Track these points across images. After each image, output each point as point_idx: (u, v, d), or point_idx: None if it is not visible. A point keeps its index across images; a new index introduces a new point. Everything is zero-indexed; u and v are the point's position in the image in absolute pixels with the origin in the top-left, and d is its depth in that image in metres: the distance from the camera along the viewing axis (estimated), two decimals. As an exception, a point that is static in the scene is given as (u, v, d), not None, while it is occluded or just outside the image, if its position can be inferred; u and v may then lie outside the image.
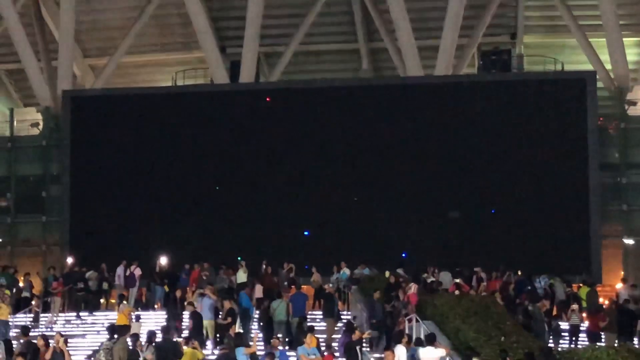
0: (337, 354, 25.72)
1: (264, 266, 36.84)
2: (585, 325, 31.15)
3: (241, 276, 35.78)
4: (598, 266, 41.86)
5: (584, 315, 31.85)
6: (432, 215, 43.10)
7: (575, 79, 44.60)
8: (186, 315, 31.17)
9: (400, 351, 22.58)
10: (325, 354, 25.81)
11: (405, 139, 43.90)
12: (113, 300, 36.60)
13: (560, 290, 34.45)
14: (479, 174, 43.25)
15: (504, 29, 50.34)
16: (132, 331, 26.31)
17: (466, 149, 43.49)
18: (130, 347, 24.16)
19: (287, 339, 30.13)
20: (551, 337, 30.71)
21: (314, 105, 44.80)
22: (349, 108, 44.43)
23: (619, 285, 36.22)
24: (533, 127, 43.26)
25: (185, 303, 31.87)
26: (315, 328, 27.62)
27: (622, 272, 42.86)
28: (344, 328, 27.25)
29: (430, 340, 23.41)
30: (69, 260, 40.88)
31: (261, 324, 31.21)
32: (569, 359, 22.09)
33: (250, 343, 25.49)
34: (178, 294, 33.80)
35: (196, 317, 29.36)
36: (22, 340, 25.38)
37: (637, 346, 27.11)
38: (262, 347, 27.30)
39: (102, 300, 37.68)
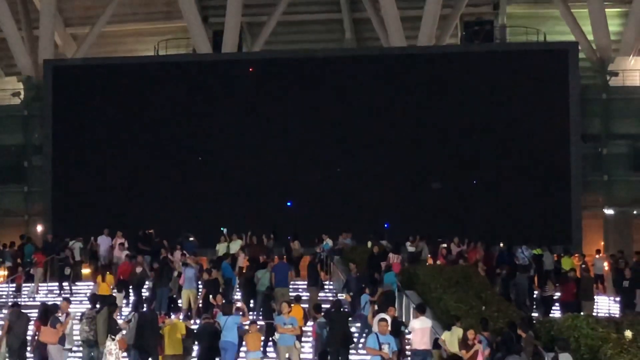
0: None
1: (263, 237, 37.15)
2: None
3: (234, 246, 35.73)
4: (579, 236, 42.20)
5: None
6: (415, 186, 43.26)
7: (558, 49, 44.69)
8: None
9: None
10: (310, 323, 25.87)
11: (387, 109, 43.97)
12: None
13: (549, 261, 34.59)
14: (461, 145, 43.43)
15: (487, 0, 50.25)
16: (114, 301, 26.26)
17: (448, 119, 43.61)
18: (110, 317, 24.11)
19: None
20: (534, 306, 30.88)
21: (296, 76, 44.75)
22: (332, 78, 44.40)
23: (597, 257, 36.58)
24: (515, 97, 43.37)
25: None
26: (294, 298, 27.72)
27: (602, 243, 43.21)
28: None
29: (422, 310, 23.61)
30: (39, 228, 40.43)
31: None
32: (548, 329, 22.29)
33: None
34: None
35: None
36: (9, 310, 25.25)
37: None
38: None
39: (88, 270, 37.60)
